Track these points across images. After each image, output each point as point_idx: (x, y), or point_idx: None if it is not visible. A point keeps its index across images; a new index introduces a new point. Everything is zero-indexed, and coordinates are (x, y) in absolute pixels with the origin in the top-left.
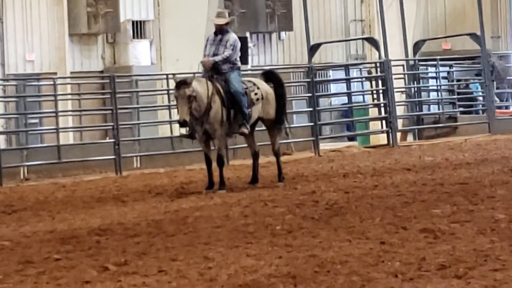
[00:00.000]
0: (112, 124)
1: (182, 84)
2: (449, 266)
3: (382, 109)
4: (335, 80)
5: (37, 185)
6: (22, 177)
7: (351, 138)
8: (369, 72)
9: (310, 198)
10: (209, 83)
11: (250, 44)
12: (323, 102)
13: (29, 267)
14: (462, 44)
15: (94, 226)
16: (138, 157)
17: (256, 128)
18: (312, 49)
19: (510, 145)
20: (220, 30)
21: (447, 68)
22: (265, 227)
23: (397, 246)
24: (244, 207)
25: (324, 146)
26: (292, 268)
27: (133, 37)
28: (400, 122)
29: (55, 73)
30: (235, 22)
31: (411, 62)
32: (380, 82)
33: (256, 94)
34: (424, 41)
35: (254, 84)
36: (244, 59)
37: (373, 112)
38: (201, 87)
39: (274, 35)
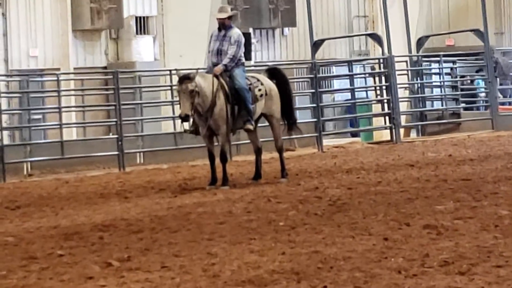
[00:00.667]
0: (115, 120)
1: (185, 79)
2: (452, 263)
3: (386, 105)
4: (338, 76)
5: (40, 180)
6: (25, 172)
7: (354, 134)
8: (373, 68)
9: (313, 194)
10: (214, 78)
11: (253, 40)
12: (326, 98)
13: (32, 262)
14: (465, 40)
15: (97, 222)
16: (141, 153)
17: (259, 124)
18: (316, 45)
19: None
20: (224, 26)
21: (450, 64)
22: (268, 223)
23: (400, 242)
24: (247, 203)
25: (327, 142)
26: (295, 264)
27: (137, 33)
28: (403, 118)
29: (59, 69)
30: (238, 18)
31: (415, 58)
32: (383, 78)
33: (260, 90)
34: (427, 37)
35: (258, 80)
36: (247, 55)
37: (376, 108)
38: (205, 83)
39: (277, 31)
